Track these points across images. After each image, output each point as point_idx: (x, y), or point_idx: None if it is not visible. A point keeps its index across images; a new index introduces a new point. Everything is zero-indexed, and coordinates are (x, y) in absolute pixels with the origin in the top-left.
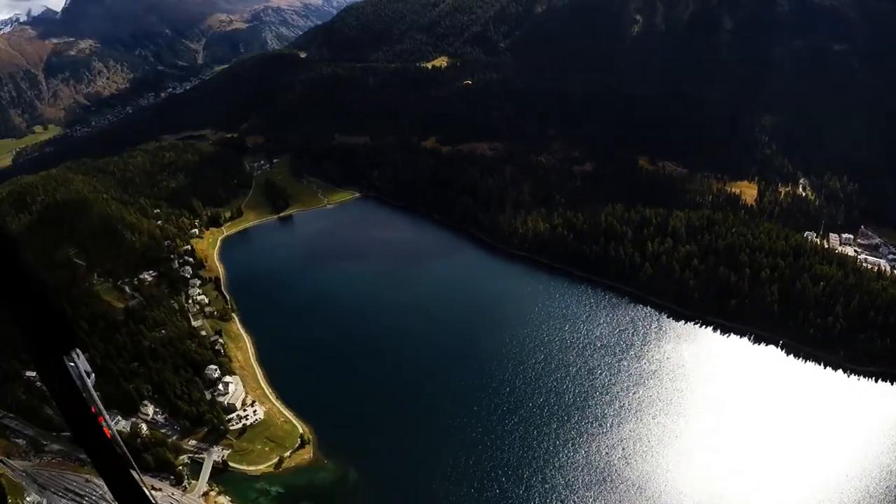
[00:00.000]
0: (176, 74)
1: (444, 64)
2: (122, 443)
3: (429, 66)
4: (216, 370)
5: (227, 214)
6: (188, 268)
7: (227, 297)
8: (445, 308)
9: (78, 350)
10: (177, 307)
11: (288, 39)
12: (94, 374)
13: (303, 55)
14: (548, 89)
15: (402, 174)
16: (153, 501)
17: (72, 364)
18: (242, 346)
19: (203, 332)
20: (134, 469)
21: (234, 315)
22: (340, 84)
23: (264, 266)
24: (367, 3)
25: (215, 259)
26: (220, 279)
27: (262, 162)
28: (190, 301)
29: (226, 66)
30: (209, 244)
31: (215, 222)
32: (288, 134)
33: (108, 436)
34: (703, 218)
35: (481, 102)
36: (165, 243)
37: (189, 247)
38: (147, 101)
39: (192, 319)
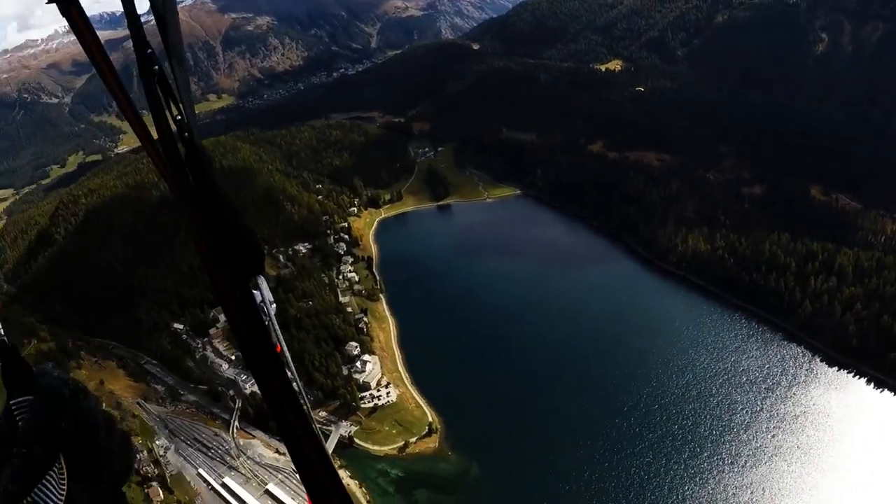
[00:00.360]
0: (349, 56)
1: (618, 67)
2: (297, 377)
3: (602, 68)
4: (356, 347)
5: (387, 197)
6: (342, 244)
7: (378, 278)
8: (594, 316)
9: (262, 276)
10: (327, 281)
11: (462, 30)
12: (275, 304)
13: (476, 47)
14: (723, 103)
15: (566, 176)
16: (325, 446)
17: (256, 291)
18: (385, 327)
19: (349, 309)
20: (306, 404)
21: (381, 296)
22: (511, 79)
23: (417, 251)
24: (544, 1)
25: (370, 239)
26: (372, 259)
27: (427, 149)
28: (340, 277)
29: (398, 51)
30: (366, 224)
31: (374, 203)
32: (455, 123)
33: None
34: (873, 259)
35: (653, 110)
36: (323, 218)
37: (346, 224)
38: (319, 80)
39: (340, 295)
